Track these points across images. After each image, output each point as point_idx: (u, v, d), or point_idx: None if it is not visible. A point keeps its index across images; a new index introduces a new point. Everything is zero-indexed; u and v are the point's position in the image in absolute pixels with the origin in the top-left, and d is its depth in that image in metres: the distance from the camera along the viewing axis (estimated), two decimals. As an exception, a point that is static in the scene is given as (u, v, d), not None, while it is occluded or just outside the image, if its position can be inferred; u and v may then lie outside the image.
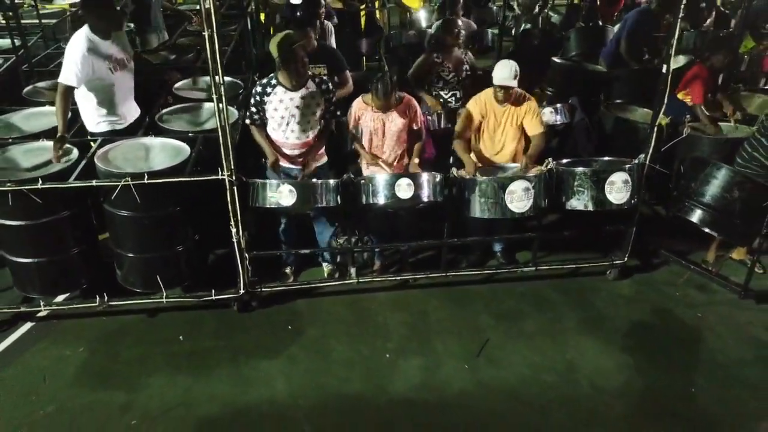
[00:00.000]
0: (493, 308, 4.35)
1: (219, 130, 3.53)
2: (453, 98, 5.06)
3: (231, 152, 3.64)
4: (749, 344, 4.02)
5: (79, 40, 3.94)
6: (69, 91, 3.90)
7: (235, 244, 3.92)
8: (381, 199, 3.78)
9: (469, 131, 4.28)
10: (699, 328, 4.18)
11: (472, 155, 4.27)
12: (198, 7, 7.58)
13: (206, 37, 3.29)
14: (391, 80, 3.91)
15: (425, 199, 3.83)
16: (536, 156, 4.14)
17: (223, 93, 3.51)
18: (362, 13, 8.26)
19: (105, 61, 4.02)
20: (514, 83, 4.05)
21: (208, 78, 5.43)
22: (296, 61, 3.73)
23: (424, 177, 3.83)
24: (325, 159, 4.28)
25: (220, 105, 3.50)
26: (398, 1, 8.19)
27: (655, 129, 3.98)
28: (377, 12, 8.81)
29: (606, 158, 4.34)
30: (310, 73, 3.94)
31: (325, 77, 4.05)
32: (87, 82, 3.98)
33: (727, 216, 3.96)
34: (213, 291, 4.12)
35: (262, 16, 8.22)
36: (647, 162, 4.06)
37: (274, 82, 3.88)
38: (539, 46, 6.85)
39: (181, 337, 4.05)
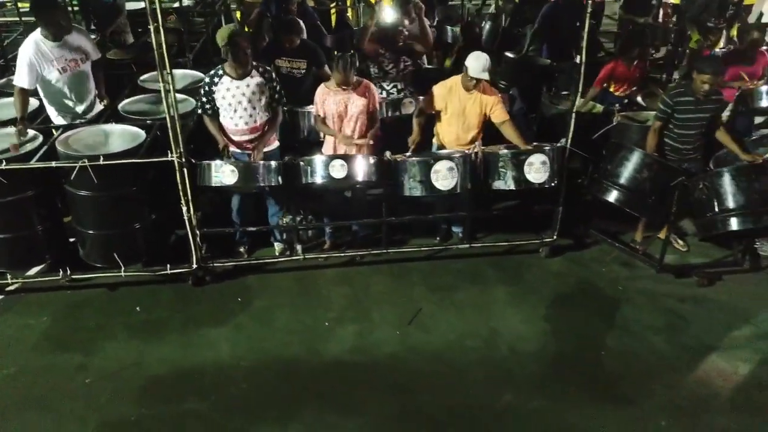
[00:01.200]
0: (430, 282, 4.69)
1: (167, 117, 3.87)
2: (395, 89, 5.38)
3: (180, 136, 3.99)
4: (662, 314, 4.36)
5: (28, 45, 4.37)
6: (23, 90, 4.36)
7: (187, 221, 4.26)
8: (318, 179, 4.12)
9: (431, 109, 4.59)
10: (618, 299, 4.52)
11: (436, 138, 4.63)
12: (175, 5, 8.13)
13: (152, 30, 3.62)
14: (351, 58, 4.25)
15: (359, 179, 4.17)
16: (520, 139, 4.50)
17: (171, 83, 3.84)
18: (333, 11, 8.58)
19: (54, 62, 4.43)
20: (487, 76, 4.34)
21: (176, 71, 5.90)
22: (239, 52, 4.07)
23: (358, 158, 4.17)
24: (276, 144, 4.62)
25: (169, 94, 3.84)
26: (368, -2, 8.53)
27: (573, 116, 4.32)
28: (349, 10, 9.13)
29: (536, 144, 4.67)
30: (254, 63, 4.28)
31: (268, 67, 4.39)
32: (39, 82, 4.43)
33: (639, 195, 4.30)
34: (168, 266, 4.46)
35: (238, 15, 8.58)
36: (568, 146, 4.40)
37: (221, 72, 4.23)
38: (490, 38, 7.22)
39: (138, 308, 4.39)
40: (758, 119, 6.05)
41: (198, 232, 4.35)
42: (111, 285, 4.56)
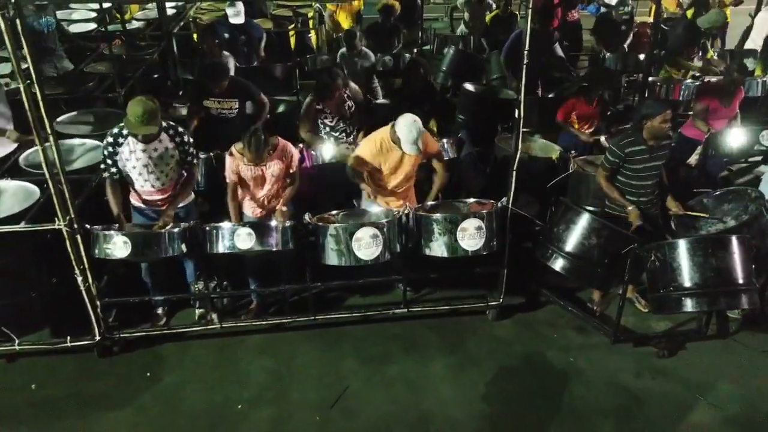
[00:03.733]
0: (362, 352, 4.26)
1: (49, 179, 3.43)
2: (344, 134, 4.96)
3: (69, 200, 3.55)
4: (614, 393, 3.93)
5: None
6: None
7: (84, 292, 3.83)
8: (221, 249, 3.69)
9: (364, 169, 4.15)
10: (568, 374, 4.08)
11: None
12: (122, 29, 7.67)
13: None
14: (264, 135, 3.82)
15: (274, 248, 3.73)
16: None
17: (51, 135, 3.36)
18: (291, 33, 8.16)
19: None
20: (417, 150, 3.90)
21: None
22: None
23: (272, 225, 3.74)
24: (190, 198, 4.19)
25: (48, 151, 3.37)
26: (331, 19, 8.09)
27: (514, 168, 3.88)
28: (312, 32, 8.71)
29: (471, 200, 4.24)
30: (164, 124, 3.83)
31: (180, 129, 3.94)
32: None
33: (587, 264, 3.86)
34: (69, 338, 4.03)
35: (195, 36, 8.14)
36: (510, 205, 3.97)
37: (125, 132, 3.77)
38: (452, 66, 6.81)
39: (33, 386, 3.95)
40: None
41: (98, 302, 3.91)
42: (8, 356, 4.13)
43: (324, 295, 4.66)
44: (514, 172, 3.88)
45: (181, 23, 8.07)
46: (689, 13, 7.24)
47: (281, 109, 5.80)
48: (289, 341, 4.34)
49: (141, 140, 3.73)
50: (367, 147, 4.14)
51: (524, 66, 3.51)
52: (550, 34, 6.63)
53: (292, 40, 8.21)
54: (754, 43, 7.35)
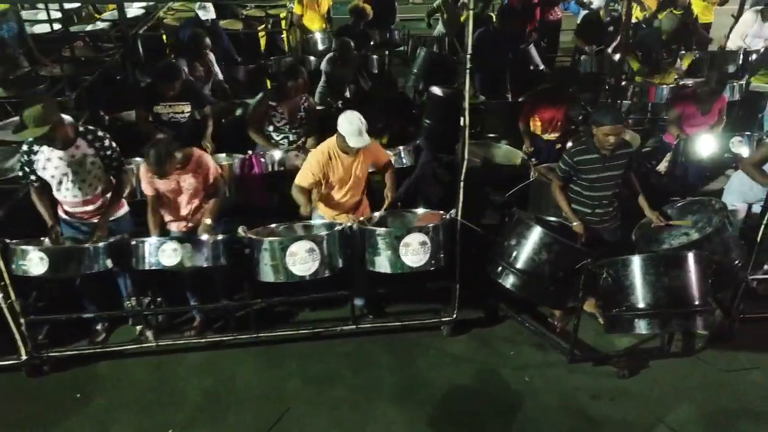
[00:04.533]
0: (307, 371, 4.04)
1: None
2: (286, 140, 4.75)
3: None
4: (568, 415, 3.72)
5: None
6: None
7: (6, 310, 3.61)
8: (146, 265, 3.48)
9: (309, 183, 3.90)
10: (522, 395, 3.87)
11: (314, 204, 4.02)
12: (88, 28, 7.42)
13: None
14: (167, 147, 3.59)
15: (204, 264, 3.52)
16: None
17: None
18: (261, 34, 7.94)
19: None
20: (366, 140, 3.71)
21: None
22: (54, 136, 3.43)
23: (203, 240, 3.53)
24: (124, 209, 3.98)
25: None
26: (298, 22, 7.86)
27: (462, 178, 3.67)
28: (284, 33, 8.48)
29: (421, 210, 4.03)
30: (81, 129, 3.62)
31: (99, 133, 3.72)
32: None
33: (538, 281, 3.64)
34: (-7, 357, 3.83)
35: (165, 38, 7.92)
36: (459, 217, 3.75)
37: None
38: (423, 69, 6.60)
39: (-46, 410, 3.75)
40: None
41: (23, 319, 3.70)
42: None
43: (273, 310, 4.46)
44: (462, 182, 3.66)
45: (148, 24, 7.86)
46: (661, 15, 7.01)
47: (239, 112, 5.58)
48: (231, 359, 4.13)
49: (47, 144, 3.51)
50: (314, 158, 3.91)
51: (467, 70, 3.29)
52: (518, 34, 6.41)
53: (263, 42, 8.00)
54: (734, 44, 7.14)
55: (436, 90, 6.02)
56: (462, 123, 3.47)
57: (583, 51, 7.17)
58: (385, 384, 3.94)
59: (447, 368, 4.07)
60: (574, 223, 3.79)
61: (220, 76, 6.04)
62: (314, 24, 7.82)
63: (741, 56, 6.84)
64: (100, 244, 3.50)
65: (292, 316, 4.48)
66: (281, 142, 4.74)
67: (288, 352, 4.18)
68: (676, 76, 6.30)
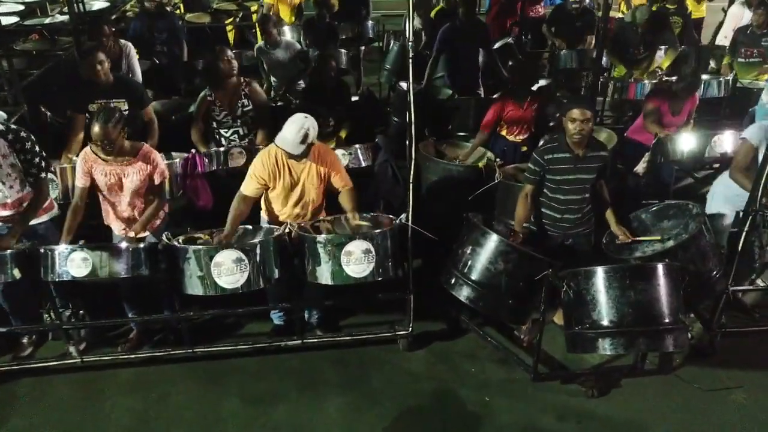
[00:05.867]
0: (249, 390, 3.70)
1: None
2: (236, 135, 4.40)
3: None
4: (530, 440, 3.39)
5: None
6: None
7: None
8: (55, 276, 3.13)
9: (254, 191, 3.56)
10: (481, 419, 3.52)
11: (264, 212, 3.68)
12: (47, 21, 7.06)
13: None
14: (119, 111, 3.30)
15: (122, 274, 3.17)
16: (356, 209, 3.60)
17: None
18: (230, 28, 7.60)
19: None
20: (302, 149, 3.34)
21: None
22: None
23: (122, 247, 3.18)
24: (48, 214, 3.64)
25: None
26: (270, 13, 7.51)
27: (411, 180, 3.33)
28: (256, 27, 8.13)
29: (370, 214, 3.67)
30: (2, 127, 3.26)
31: (23, 134, 3.37)
32: None
33: (494, 293, 3.30)
34: None
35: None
36: (410, 223, 3.41)
37: None
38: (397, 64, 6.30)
39: None
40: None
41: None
42: None
43: (217, 321, 4.12)
44: (411, 185, 3.32)
45: (114, 17, 7.49)
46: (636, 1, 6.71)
47: (192, 108, 5.22)
48: (166, 377, 3.78)
49: None
50: (260, 160, 3.54)
51: (410, 61, 2.96)
52: (484, 27, 6.09)
53: (231, 35, 7.66)
54: (726, 39, 6.83)
55: (404, 86, 5.67)
56: (408, 119, 3.13)
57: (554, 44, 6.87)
58: (331, 405, 3.60)
59: (401, 387, 3.73)
60: (518, 231, 3.50)
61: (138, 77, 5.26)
62: (286, 17, 7.49)
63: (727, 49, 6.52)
64: (7, 252, 3.15)
65: (237, 329, 4.15)
66: (231, 137, 4.39)
67: (229, 369, 3.84)
68: (658, 72, 5.96)
